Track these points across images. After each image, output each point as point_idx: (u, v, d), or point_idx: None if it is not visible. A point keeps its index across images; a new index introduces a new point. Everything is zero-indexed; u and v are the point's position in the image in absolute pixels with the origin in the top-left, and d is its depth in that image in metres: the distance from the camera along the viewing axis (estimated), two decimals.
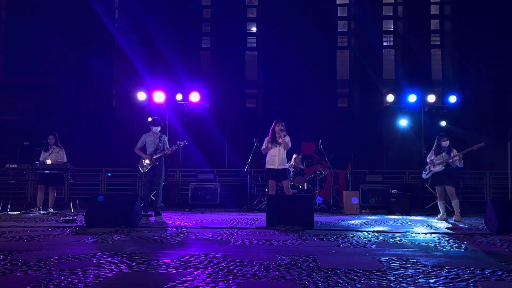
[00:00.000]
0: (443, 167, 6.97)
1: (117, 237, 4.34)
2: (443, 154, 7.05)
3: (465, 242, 4.33)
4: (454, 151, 6.98)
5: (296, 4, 14.26)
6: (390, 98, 10.92)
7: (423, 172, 7.45)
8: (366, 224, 6.16)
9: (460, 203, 7.03)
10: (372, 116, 13.83)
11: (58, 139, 8.02)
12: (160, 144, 7.48)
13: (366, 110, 13.98)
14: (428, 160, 7.31)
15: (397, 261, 3.17)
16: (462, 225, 6.28)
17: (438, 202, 7.21)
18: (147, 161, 7.33)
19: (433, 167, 7.11)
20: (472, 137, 10.44)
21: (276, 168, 6.82)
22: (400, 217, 7.81)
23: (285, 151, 6.85)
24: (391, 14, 14.87)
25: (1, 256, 3.18)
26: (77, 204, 7.81)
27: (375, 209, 9.18)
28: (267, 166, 6.93)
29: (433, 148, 7.24)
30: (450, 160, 6.92)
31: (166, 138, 7.67)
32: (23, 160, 7.71)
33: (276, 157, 6.81)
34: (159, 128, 7.58)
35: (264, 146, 6.93)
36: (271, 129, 6.87)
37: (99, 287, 2.33)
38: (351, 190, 9.17)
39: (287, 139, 6.80)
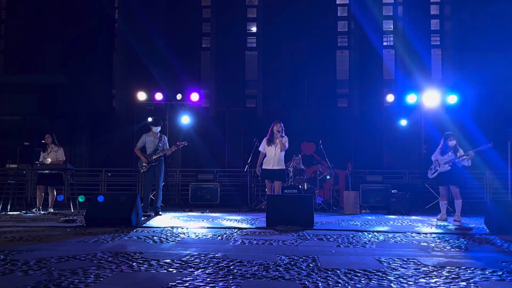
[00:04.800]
0: (449, 167, 6.90)
1: (117, 237, 4.34)
2: (449, 153, 6.95)
3: (465, 242, 4.33)
4: (461, 151, 6.89)
5: (296, 4, 14.26)
6: (390, 98, 10.91)
7: (429, 171, 7.34)
8: (366, 224, 6.16)
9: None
10: (372, 116, 13.83)
11: (55, 138, 8.01)
12: (160, 144, 7.44)
13: (366, 110, 13.98)
14: (432, 159, 7.21)
15: (397, 261, 3.17)
16: (462, 225, 6.28)
17: (440, 202, 7.16)
18: (146, 161, 7.33)
19: (439, 167, 7.04)
20: (472, 137, 10.42)
21: (271, 168, 6.81)
22: (400, 217, 7.81)
23: (283, 152, 6.82)
24: (391, 14, 14.87)
25: (1, 256, 3.18)
26: (77, 204, 7.80)
27: (375, 209, 9.17)
28: (263, 167, 6.93)
29: (439, 147, 7.09)
30: (457, 160, 6.85)
31: (166, 138, 7.64)
32: (23, 160, 7.69)
33: (271, 157, 6.81)
34: (159, 128, 7.56)
35: (261, 147, 6.95)
36: (269, 129, 6.87)
37: (99, 287, 2.33)
38: (351, 190, 9.16)
39: (284, 139, 6.78)
